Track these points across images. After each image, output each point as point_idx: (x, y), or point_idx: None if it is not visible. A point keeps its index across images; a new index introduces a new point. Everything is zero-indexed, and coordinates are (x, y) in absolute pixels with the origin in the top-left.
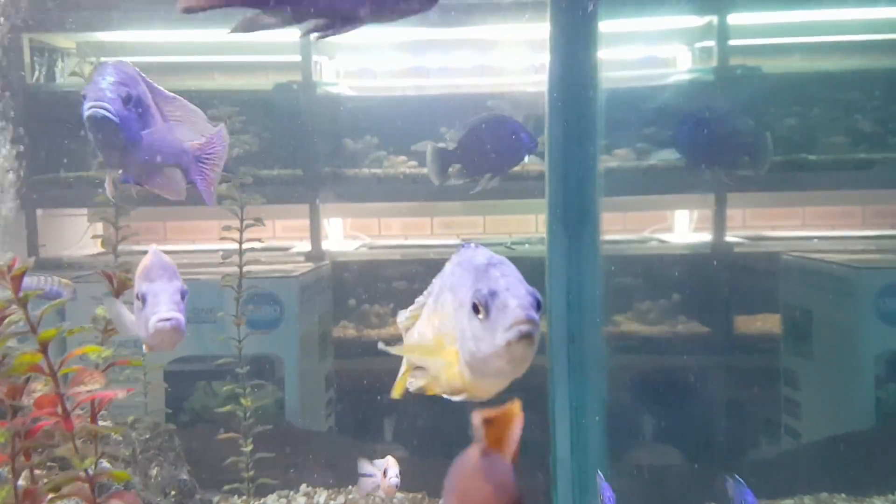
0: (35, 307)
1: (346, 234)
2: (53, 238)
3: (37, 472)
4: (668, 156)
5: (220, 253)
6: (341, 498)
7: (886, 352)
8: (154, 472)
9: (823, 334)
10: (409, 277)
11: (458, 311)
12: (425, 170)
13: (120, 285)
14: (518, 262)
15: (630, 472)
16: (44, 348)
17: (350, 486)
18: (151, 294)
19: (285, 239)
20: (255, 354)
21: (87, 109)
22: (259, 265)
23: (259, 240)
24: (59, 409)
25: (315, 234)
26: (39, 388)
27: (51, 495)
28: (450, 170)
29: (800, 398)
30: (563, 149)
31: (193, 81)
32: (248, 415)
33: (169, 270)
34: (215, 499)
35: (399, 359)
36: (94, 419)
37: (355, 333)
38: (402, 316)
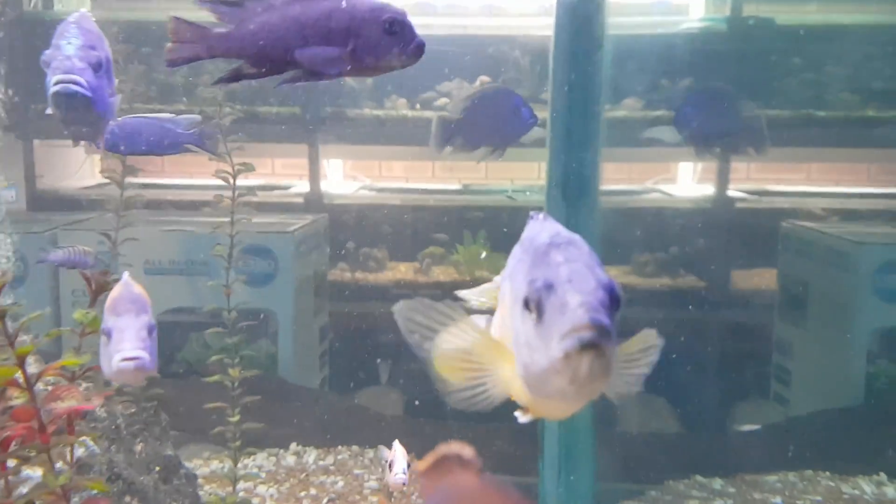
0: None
1: (345, 175)
2: (51, 169)
3: (11, 478)
4: (665, 135)
5: (215, 194)
6: (331, 458)
7: (881, 328)
8: (139, 447)
9: (819, 306)
10: (408, 223)
11: (514, 308)
12: (428, 113)
13: (98, 287)
14: (517, 211)
15: (616, 437)
16: (21, 362)
17: (339, 446)
18: (117, 330)
19: (284, 177)
20: (249, 309)
21: (56, 85)
22: (255, 217)
23: (254, 193)
24: (35, 424)
25: (314, 174)
26: (16, 395)
27: None
28: (451, 142)
29: (791, 367)
30: (566, 114)
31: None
32: (238, 365)
33: (137, 304)
34: (205, 454)
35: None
36: (70, 430)
37: (352, 277)
38: (470, 295)
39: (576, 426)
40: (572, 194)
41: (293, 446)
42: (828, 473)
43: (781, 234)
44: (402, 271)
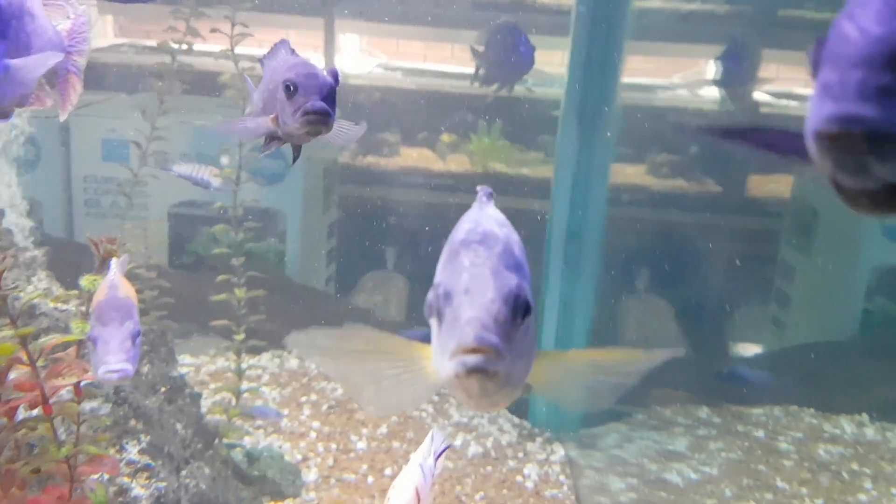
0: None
1: (361, 51)
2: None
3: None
4: None
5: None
6: None
7: (883, 265)
8: (145, 369)
9: (825, 235)
10: (424, 108)
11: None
12: None
13: (106, 254)
14: (536, 103)
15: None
16: (23, 341)
17: None
18: (102, 341)
19: (299, 50)
20: (258, 207)
21: None
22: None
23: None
24: (39, 396)
25: (329, 49)
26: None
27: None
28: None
29: (791, 292)
30: (588, 36)
31: None
32: (243, 264)
33: (122, 310)
34: (211, 351)
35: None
36: (77, 394)
37: (363, 162)
38: None
39: (569, 343)
40: (588, 120)
41: (297, 350)
42: (812, 410)
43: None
44: (415, 158)
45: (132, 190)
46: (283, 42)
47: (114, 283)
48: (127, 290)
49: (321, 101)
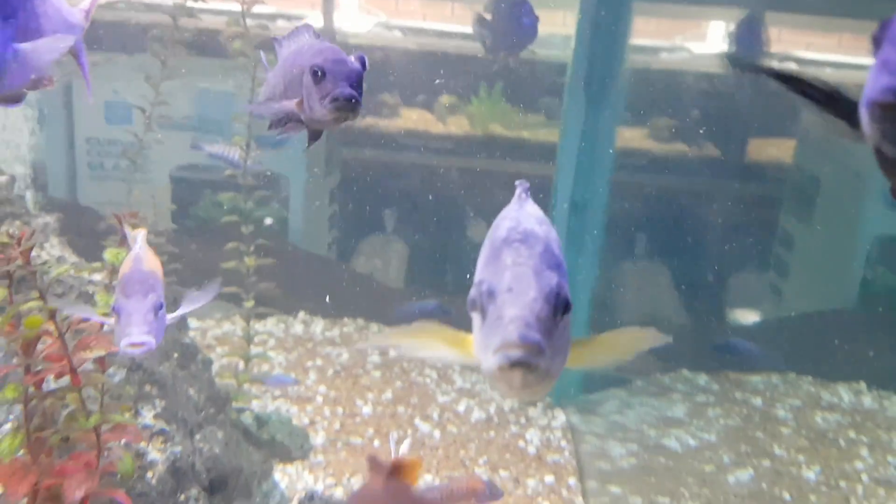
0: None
1: (360, 9)
2: None
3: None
4: None
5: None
6: (337, 329)
7: (884, 235)
8: None
9: (827, 204)
10: (424, 69)
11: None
12: None
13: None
14: (538, 65)
15: (611, 322)
16: (52, 315)
17: (345, 318)
18: (125, 313)
19: (297, 6)
20: (261, 172)
21: None
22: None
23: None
24: (67, 366)
25: (327, 7)
26: (51, 340)
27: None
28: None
29: (790, 261)
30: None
31: None
32: (250, 229)
33: (146, 283)
34: (217, 315)
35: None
36: (102, 364)
37: (362, 122)
38: None
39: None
40: (595, 89)
41: (301, 315)
42: (810, 378)
43: (802, 124)
44: (415, 119)
45: (136, 152)
46: (307, 26)
47: (139, 257)
48: (151, 264)
49: (349, 87)
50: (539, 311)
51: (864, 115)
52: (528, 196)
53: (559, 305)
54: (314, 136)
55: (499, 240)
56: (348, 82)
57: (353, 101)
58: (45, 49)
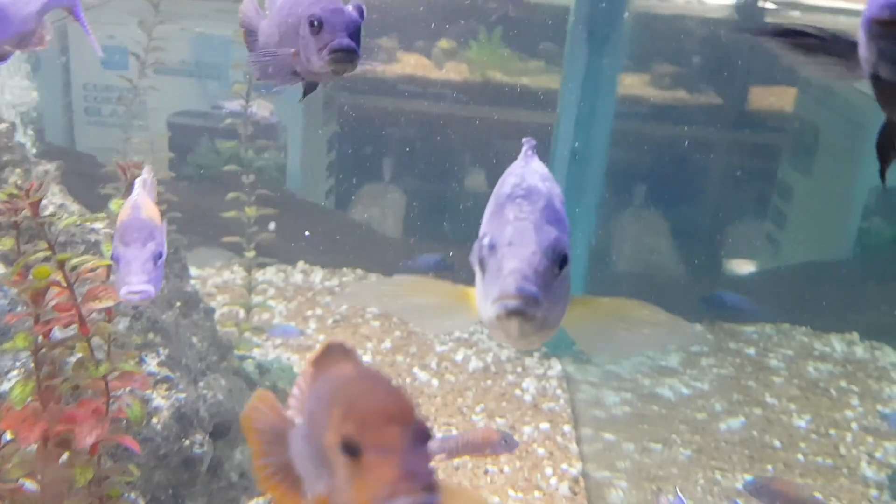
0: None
1: None
2: None
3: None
4: None
5: None
6: (336, 279)
7: (881, 185)
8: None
9: (825, 154)
10: (421, 12)
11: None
12: None
13: (132, 178)
14: (537, 8)
15: (608, 275)
16: (61, 265)
17: (344, 268)
18: (124, 261)
19: None
20: (259, 119)
21: None
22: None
23: None
24: (75, 316)
25: None
26: (58, 289)
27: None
28: None
29: (788, 211)
30: None
31: None
32: (250, 177)
33: (145, 231)
34: (217, 263)
35: None
36: (109, 313)
37: (360, 69)
38: None
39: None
40: (598, 38)
41: (301, 264)
42: (804, 329)
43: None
44: (413, 65)
45: (132, 99)
46: None
47: (137, 204)
48: (150, 211)
49: (347, 38)
50: (537, 265)
51: (862, 40)
52: (535, 153)
53: (557, 259)
54: (310, 87)
55: (503, 196)
56: (346, 32)
57: (352, 52)
58: (26, 1)
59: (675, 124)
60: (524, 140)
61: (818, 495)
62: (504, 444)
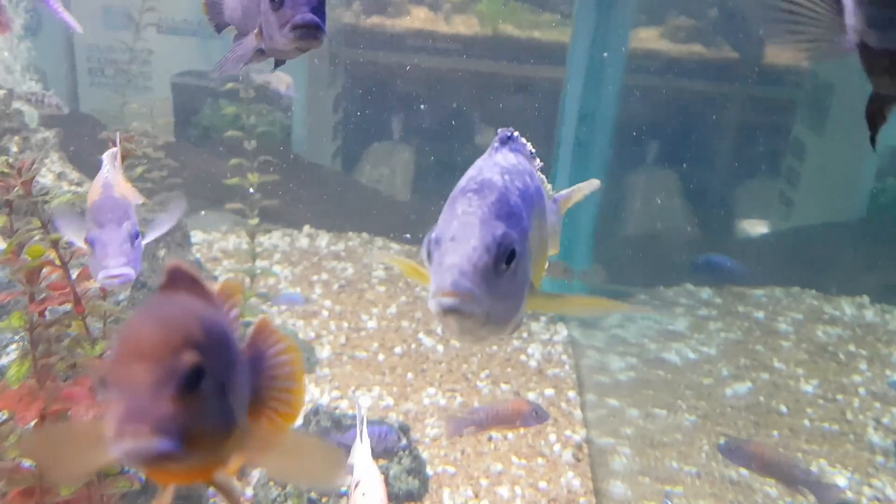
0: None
1: None
2: None
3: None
4: None
5: None
6: (342, 244)
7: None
8: (161, 253)
9: (840, 112)
10: None
11: None
12: None
13: (125, 153)
14: None
15: (617, 239)
16: (54, 244)
17: (350, 232)
18: (100, 244)
19: None
20: (263, 81)
21: None
22: None
23: None
24: (70, 295)
25: None
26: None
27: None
28: None
29: (801, 170)
30: None
31: None
32: (252, 142)
33: (118, 210)
34: (222, 227)
35: None
36: (104, 291)
37: (367, 23)
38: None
39: (576, 224)
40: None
41: (306, 228)
42: (814, 291)
43: None
44: (422, 18)
45: (135, 58)
46: None
47: (108, 182)
48: (123, 188)
49: (310, 12)
50: (477, 260)
51: (849, 7)
52: (505, 145)
53: (502, 254)
54: (279, 61)
55: (457, 189)
56: (308, 6)
57: (316, 28)
58: None
59: (688, 79)
60: (499, 131)
61: (799, 457)
62: (535, 415)
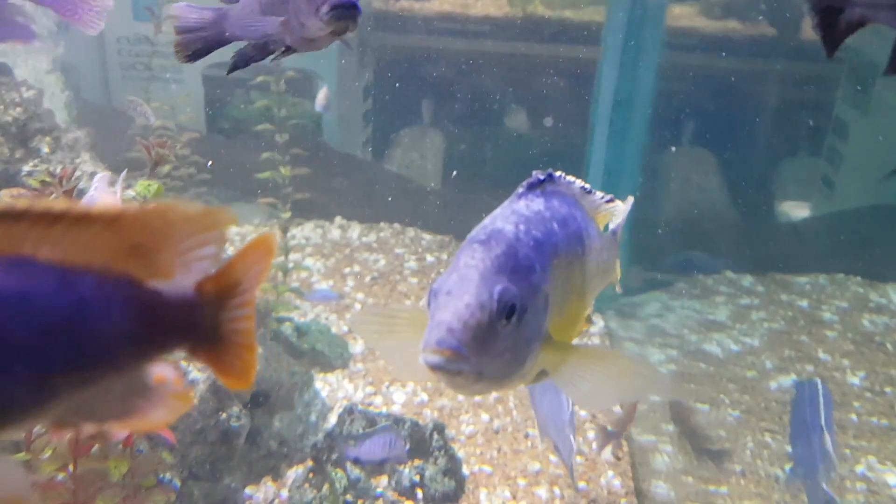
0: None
1: None
2: None
3: None
4: None
5: None
6: (374, 234)
7: None
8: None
9: (884, 90)
10: None
11: None
12: None
13: (158, 158)
14: None
15: (654, 222)
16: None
17: (382, 223)
18: None
19: None
20: (293, 68)
21: None
22: None
23: None
24: None
25: None
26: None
27: None
28: None
29: (844, 151)
30: None
31: None
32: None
33: None
34: (255, 220)
35: None
36: None
37: (395, 6)
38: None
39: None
40: None
41: (338, 220)
42: (858, 279)
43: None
44: (451, 1)
45: (164, 51)
46: None
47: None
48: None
49: None
50: (468, 318)
51: None
52: (534, 189)
53: (501, 310)
54: (242, 60)
55: (468, 238)
56: None
57: (353, 7)
58: None
59: (725, 57)
60: (533, 172)
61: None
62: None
